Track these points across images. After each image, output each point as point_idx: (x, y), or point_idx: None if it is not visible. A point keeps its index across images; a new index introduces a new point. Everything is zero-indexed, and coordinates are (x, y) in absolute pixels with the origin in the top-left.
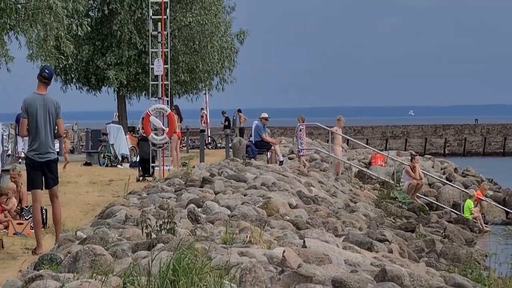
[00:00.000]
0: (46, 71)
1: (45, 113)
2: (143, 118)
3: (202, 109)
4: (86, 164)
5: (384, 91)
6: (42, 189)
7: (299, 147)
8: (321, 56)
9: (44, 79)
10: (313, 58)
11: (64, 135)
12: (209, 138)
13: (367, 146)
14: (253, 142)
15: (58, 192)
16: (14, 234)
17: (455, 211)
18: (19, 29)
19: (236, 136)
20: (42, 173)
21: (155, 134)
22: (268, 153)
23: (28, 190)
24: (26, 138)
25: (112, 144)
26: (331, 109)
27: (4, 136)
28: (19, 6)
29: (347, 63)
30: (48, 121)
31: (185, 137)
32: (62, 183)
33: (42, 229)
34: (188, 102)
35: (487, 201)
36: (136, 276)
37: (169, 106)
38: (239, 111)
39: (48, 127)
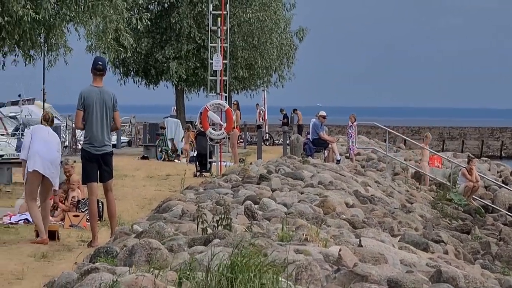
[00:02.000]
0: (99, 62)
1: (102, 105)
2: (201, 113)
3: (257, 104)
4: (143, 158)
5: (440, 92)
6: (97, 182)
7: (350, 145)
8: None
9: (99, 71)
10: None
11: (121, 128)
12: (267, 134)
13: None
14: (311, 140)
15: (113, 186)
16: (70, 226)
17: (511, 214)
18: (78, 21)
19: (294, 133)
20: (98, 166)
21: (213, 129)
22: (326, 151)
23: (83, 183)
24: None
25: (172, 139)
26: (388, 109)
27: (62, 128)
28: None
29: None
30: (104, 114)
31: (243, 133)
32: (120, 177)
33: (98, 222)
34: (246, 98)
35: None
36: (192, 271)
37: (227, 102)
38: (295, 110)
39: (104, 120)
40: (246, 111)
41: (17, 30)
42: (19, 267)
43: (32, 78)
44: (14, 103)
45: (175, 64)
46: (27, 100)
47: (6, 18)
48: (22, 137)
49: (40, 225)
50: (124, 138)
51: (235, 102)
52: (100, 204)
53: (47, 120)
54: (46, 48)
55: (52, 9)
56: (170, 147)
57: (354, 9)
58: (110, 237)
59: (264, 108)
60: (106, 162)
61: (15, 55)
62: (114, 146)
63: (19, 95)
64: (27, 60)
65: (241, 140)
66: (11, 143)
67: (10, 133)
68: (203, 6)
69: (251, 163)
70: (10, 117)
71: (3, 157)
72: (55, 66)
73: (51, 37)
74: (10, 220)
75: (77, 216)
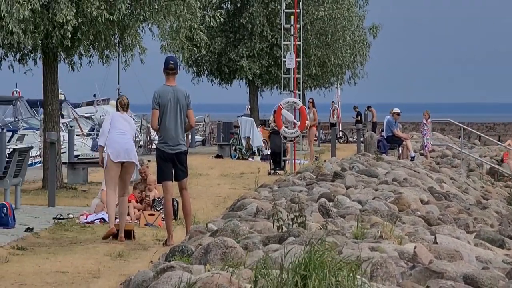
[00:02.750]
0: (171, 61)
1: (176, 104)
2: (274, 111)
3: (333, 102)
4: (218, 156)
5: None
6: (172, 181)
7: (425, 142)
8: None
9: (171, 70)
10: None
11: (195, 127)
12: (341, 132)
13: (499, 142)
14: (385, 137)
15: (187, 184)
16: (145, 225)
17: None
18: (152, 20)
19: (367, 131)
20: (173, 165)
21: (287, 127)
22: (400, 148)
23: (158, 182)
24: None
25: (247, 137)
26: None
27: (137, 127)
28: None
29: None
30: (179, 113)
31: (317, 131)
32: (194, 175)
33: (173, 220)
34: (319, 96)
35: None
36: (267, 269)
37: (300, 100)
38: (369, 107)
39: (179, 119)
40: (319, 109)
41: (92, 31)
42: (96, 266)
43: (107, 78)
44: (89, 103)
45: (248, 62)
46: (102, 100)
47: (80, 19)
48: (97, 137)
49: (112, 214)
50: (198, 137)
51: (311, 100)
52: (175, 203)
53: (123, 106)
54: (120, 49)
55: (126, 9)
56: (244, 145)
57: (431, 5)
58: (185, 236)
59: (338, 106)
60: (181, 161)
61: (90, 56)
62: (189, 145)
63: (94, 95)
64: (102, 60)
65: (315, 138)
66: (86, 143)
67: (85, 134)
68: (275, 4)
69: (325, 161)
70: (85, 117)
71: (78, 157)
72: (130, 66)
73: (126, 37)
74: (86, 219)
75: (153, 215)
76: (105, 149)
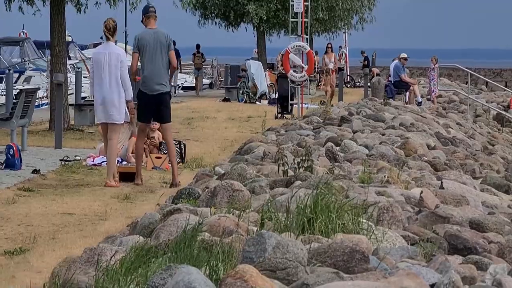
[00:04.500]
0: (150, 6)
1: (155, 46)
2: (282, 55)
3: (340, 47)
4: (225, 100)
5: None
6: (150, 123)
7: (432, 87)
8: None
9: (151, 13)
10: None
11: (176, 68)
12: (348, 77)
13: (506, 88)
14: (392, 82)
15: (170, 128)
16: (152, 168)
17: None
18: None
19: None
20: (155, 107)
21: (294, 71)
22: (407, 93)
23: (138, 120)
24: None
25: (253, 79)
26: (471, 50)
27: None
28: None
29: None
30: (159, 54)
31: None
32: (201, 118)
33: (180, 163)
34: (327, 41)
35: None
36: (273, 212)
37: (308, 44)
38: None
39: (160, 60)
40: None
41: None
42: (102, 208)
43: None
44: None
45: (255, 7)
46: None
47: None
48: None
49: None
50: (205, 80)
51: (330, 46)
52: (183, 146)
53: (109, 30)
54: None
55: None
56: (251, 89)
57: None
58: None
59: (346, 51)
60: (162, 102)
61: None
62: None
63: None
64: (109, 2)
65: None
66: None
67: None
68: None
69: (332, 105)
70: None
71: (85, 99)
72: (137, 8)
73: None
74: (93, 161)
75: (159, 158)
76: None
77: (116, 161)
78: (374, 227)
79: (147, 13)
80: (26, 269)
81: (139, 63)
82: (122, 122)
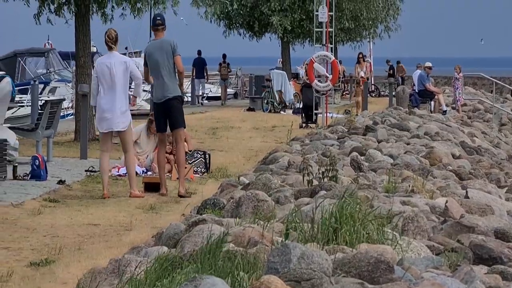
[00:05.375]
0: (158, 18)
1: (162, 54)
2: (307, 64)
3: (364, 56)
4: (249, 109)
5: None
6: (165, 131)
7: (457, 96)
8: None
9: (159, 26)
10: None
11: (183, 72)
12: (373, 86)
13: None
14: (417, 91)
15: (183, 135)
16: (177, 178)
17: None
18: None
19: (399, 85)
20: (164, 114)
21: (319, 81)
22: (432, 102)
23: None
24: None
25: (278, 91)
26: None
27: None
28: None
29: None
30: (166, 62)
31: (349, 85)
32: (226, 128)
33: (205, 173)
34: (351, 50)
35: None
36: (298, 222)
37: (332, 53)
38: (398, 62)
39: (166, 68)
40: (351, 63)
41: None
42: (128, 219)
43: (139, 31)
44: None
45: (279, 18)
46: (134, 52)
47: None
48: (130, 89)
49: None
50: (230, 91)
51: (361, 55)
52: (207, 156)
53: (111, 39)
54: (152, 1)
55: None
56: (276, 99)
57: None
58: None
59: (370, 60)
60: (170, 108)
61: (123, 8)
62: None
63: (126, 48)
64: (134, 13)
65: (347, 92)
66: None
67: None
68: None
69: (357, 115)
70: None
71: None
72: None
73: None
74: (118, 172)
75: (184, 168)
76: None
77: (141, 171)
78: (398, 237)
79: (153, 25)
80: (51, 280)
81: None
82: (129, 125)
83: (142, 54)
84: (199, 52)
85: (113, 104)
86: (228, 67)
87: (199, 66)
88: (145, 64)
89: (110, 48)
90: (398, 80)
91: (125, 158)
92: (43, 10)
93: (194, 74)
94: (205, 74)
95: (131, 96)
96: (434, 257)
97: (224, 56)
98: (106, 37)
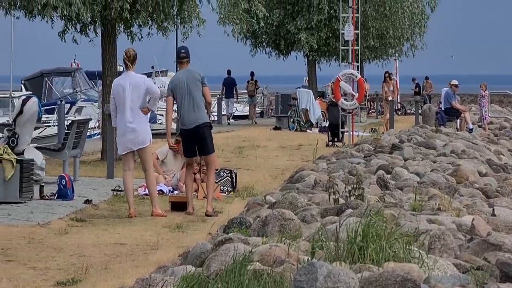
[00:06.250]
0: (182, 51)
1: (188, 85)
2: (333, 83)
3: (390, 74)
4: (276, 128)
5: None
6: (194, 156)
7: (483, 114)
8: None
9: (184, 59)
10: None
11: (211, 103)
12: (399, 104)
13: None
14: (443, 109)
15: (213, 159)
16: (204, 197)
17: None
18: None
19: (425, 102)
20: (194, 140)
21: (345, 99)
22: (458, 120)
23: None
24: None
25: (305, 109)
26: None
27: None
28: None
29: None
30: (193, 92)
31: (375, 103)
32: (252, 147)
33: (232, 192)
34: (378, 68)
35: None
36: (324, 241)
37: (358, 72)
38: (427, 78)
39: (192, 99)
40: (377, 81)
41: (150, 3)
42: (154, 238)
43: (166, 50)
44: (147, 75)
45: (304, 35)
46: (160, 72)
47: None
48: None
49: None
50: (256, 109)
51: (387, 74)
52: (234, 175)
53: (129, 58)
54: (179, 20)
55: None
56: (302, 117)
57: None
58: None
59: (396, 78)
60: (199, 134)
61: (149, 27)
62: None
63: (152, 67)
64: (161, 32)
65: (373, 110)
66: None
67: None
68: None
69: (383, 133)
70: None
71: None
72: (189, 38)
73: (184, 9)
74: (144, 191)
75: (213, 189)
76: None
77: (168, 190)
78: (425, 256)
79: (178, 58)
80: None
81: (175, 106)
82: (149, 144)
83: (169, 73)
84: (229, 72)
85: (130, 124)
86: (256, 84)
87: (229, 86)
88: (170, 94)
89: (127, 67)
90: (424, 98)
91: (145, 177)
92: (69, 30)
93: (223, 93)
94: (234, 93)
95: (146, 108)
96: (460, 275)
97: (252, 73)
98: (124, 55)
